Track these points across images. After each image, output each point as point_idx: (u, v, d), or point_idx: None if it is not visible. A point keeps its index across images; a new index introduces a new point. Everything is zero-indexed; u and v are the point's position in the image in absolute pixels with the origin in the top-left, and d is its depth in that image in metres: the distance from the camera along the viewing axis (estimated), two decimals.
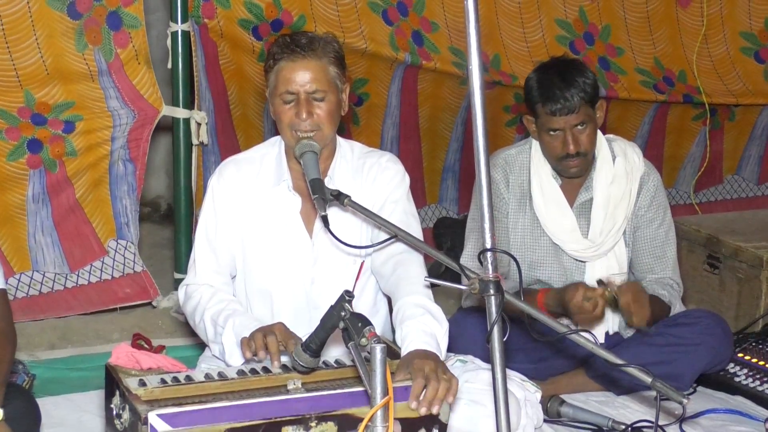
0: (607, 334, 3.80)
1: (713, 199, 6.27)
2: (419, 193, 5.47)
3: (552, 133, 3.72)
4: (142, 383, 2.66)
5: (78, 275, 4.45)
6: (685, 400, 2.71)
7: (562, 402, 3.52)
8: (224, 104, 4.67)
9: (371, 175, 3.32)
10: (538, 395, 3.42)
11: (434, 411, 2.61)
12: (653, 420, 3.15)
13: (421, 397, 2.61)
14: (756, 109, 6.13)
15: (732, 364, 3.99)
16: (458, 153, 5.53)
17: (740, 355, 4.05)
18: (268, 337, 2.90)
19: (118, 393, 2.65)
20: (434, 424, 2.65)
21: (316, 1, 4.80)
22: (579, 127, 3.70)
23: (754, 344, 4.17)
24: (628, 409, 3.62)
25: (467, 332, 3.37)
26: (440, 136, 5.35)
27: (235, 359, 3.04)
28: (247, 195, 3.33)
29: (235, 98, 4.79)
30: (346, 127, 5.05)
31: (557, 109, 3.66)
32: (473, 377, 3.16)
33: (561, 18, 5.50)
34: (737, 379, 3.92)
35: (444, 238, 5.20)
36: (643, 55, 5.71)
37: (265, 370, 2.84)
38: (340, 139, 3.35)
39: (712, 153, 6.12)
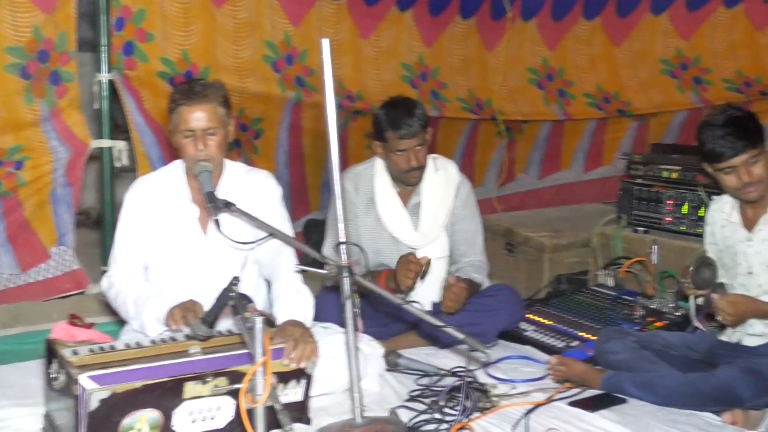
0: (433, 303, 3.87)
1: (509, 192, 6.41)
2: (305, 203, 5.54)
3: (399, 152, 3.80)
4: (75, 352, 2.64)
5: (28, 275, 4.38)
6: (488, 351, 2.80)
7: (399, 356, 3.56)
8: (163, 136, 4.62)
9: (252, 188, 3.36)
10: (381, 351, 3.49)
11: (302, 366, 2.67)
12: (466, 365, 3.28)
13: (291, 356, 2.66)
14: (538, 125, 6.33)
15: (523, 323, 4.07)
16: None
17: (529, 315, 4.14)
18: (185, 311, 2.94)
19: (55, 361, 2.61)
20: (302, 376, 2.70)
21: (219, 54, 4.75)
22: (418, 147, 3.79)
23: (539, 307, 4.28)
24: (448, 359, 3.66)
25: (328, 306, 3.40)
26: (319, 159, 5.37)
27: (154, 330, 3.03)
28: (155, 205, 3.34)
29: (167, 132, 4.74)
30: (249, 156, 5.06)
31: (404, 134, 3.75)
32: (332, 339, 3.21)
33: (405, 62, 5.60)
34: (527, 334, 4.00)
35: (312, 235, 5.21)
36: (461, 88, 5.84)
37: (172, 339, 2.83)
38: (226, 161, 3.37)
39: (508, 159, 6.30)
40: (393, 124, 3.77)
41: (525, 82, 6.18)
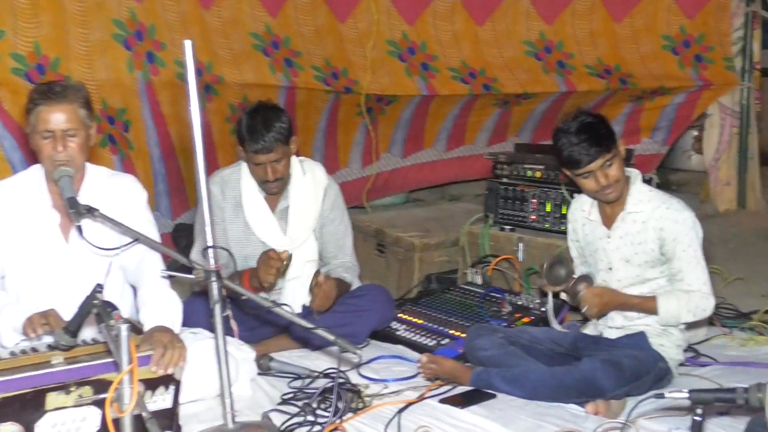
0: (303, 305, 3.87)
1: (374, 172, 6.45)
2: (185, 199, 5.40)
3: (255, 165, 3.77)
4: None
5: None
6: (358, 352, 2.81)
7: (271, 359, 3.55)
8: (26, 139, 4.43)
9: (116, 192, 3.27)
10: (253, 355, 3.47)
11: (169, 372, 2.63)
12: (337, 367, 3.29)
13: (159, 362, 2.62)
14: (402, 104, 6.34)
15: (395, 322, 4.11)
16: None
17: (400, 315, 4.19)
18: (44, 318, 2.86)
19: None
20: (170, 382, 2.66)
21: (71, 42, 4.63)
22: (275, 162, 3.73)
23: (410, 307, 4.33)
24: (320, 361, 3.67)
25: (196, 311, 3.36)
26: (190, 151, 5.28)
27: (10, 340, 2.92)
28: (13, 211, 3.20)
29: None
30: (125, 152, 4.90)
31: (258, 149, 3.69)
32: (202, 344, 3.17)
33: (253, 31, 5.54)
34: (398, 333, 4.04)
35: (181, 239, 5.12)
36: (318, 57, 5.83)
37: (34, 350, 2.74)
38: (88, 165, 3.27)
39: (371, 139, 6.32)
40: (249, 137, 3.70)
41: (385, 54, 6.20)
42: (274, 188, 3.83)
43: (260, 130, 3.68)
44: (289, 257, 3.66)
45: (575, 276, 3.49)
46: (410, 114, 6.41)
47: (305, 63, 5.75)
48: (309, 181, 3.94)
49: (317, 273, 3.75)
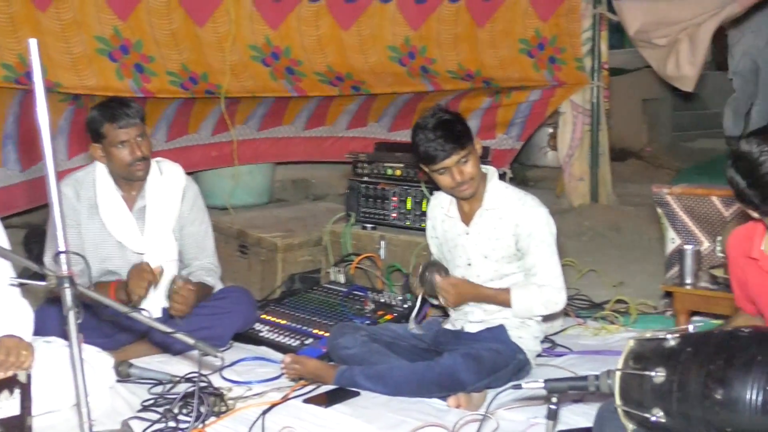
0: (162, 309, 3.80)
1: (224, 140, 6.35)
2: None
3: (121, 145, 3.68)
4: None
5: None
6: (220, 354, 2.79)
7: (131, 365, 3.46)
8: None
9: None
10: (111, 362, 3.38)
11: (9, 374, 2.57)
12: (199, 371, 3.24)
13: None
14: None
15: (258, 324, 4.09)
16: None
17: (263, 316, 4.17)
18: None
19: None
20: (14, 385, 2.61)
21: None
22: (139, 138, 3.68)
23: (273, 308, 4.32)
24: (182, 365, 3.62)
25: (50, 319, 3.26)
26: None
27: None
28: None
29: None
30: None
31: (123, 124, 3.64)
32: (56, 353, 3.07)
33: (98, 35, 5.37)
34: (261, 334, 4.03)
35: (34, 245, 4.94)
36: (174, 62, 5.74)
37: None
38: None
39: (229, 111, 6.24)
40: (110, 117, 3.65)
41: (248, 58, 6.12)
42: (141, 170, 3.74)
43: (120, 107, 3.68)
44: (162, 273, 3.61)
45: (443, 264, 3.56)
46: (273, 98, 6.41)
47: (159, 68, 5.63)
48: (166, 180, 3.88)
49: (176, 278, 3.69)
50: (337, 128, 6.78)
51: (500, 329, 3.50)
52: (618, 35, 7.87)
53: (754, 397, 2.13)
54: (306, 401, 3.28)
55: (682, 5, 6.45)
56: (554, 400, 2.47)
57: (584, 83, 6.81)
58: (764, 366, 2.16)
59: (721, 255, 4.01)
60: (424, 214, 4.35)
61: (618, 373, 2.39)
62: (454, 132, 3.35)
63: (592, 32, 6.75)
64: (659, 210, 4.28)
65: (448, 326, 3.65)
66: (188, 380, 3.38)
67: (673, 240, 4.23)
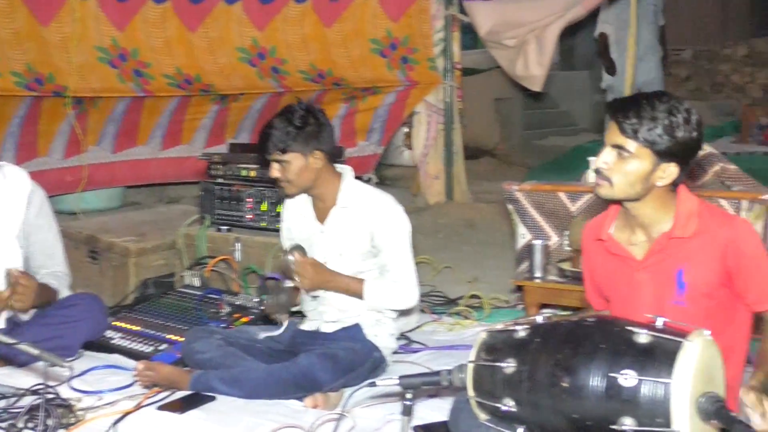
0: (8, 319, 3.64)
1: (78, 164, 6.31)
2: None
3: None
4: None
5: None
6: (67, 364, 2.70)
7: None
8: None
9: None
10: None
11: None
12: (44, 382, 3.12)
13: None
14: (113, 101, 6.28)
15: (110, 331, 3.98)
16: None
17: (115, 323, 4.06)
18: None
19: None
20: None
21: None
22: None
23: (126, 314, 4.21)
24: (29, 378, 3.45)
25: None
26: None
27: None
28: None
29: None
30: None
31: None
32: None
33: None
34: (113, 342, 3.92)
35: None
36: (18, 62, 5.54)
37: None
38: None
39: (80, 130, 6.20)
40: None
41: (95, 59, 6.10)
42: None
43: None
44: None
45: (300, 245, 3.53)
46: (124, 107, 6.26)
47: (2, 69, 5.44)
48: (9, 185, 3.71)
49: (10, 270, 3.51)
50: (194, 146, 6.70)
51: (356, 328, 3.52)
52: (471, 36, 8.04)
53: (597, 383, 2.22)
54: (160, 408, 3.21)
55: (529, 7, 6.66)
56: (409, 395, 2.50)
57: (437, 83, 6.93)
58: (607, 353, 2.25)
59: (568, 249, 4.15)
60: (279, 215, 4.33)
61: (470, 365, 2.45)
62: (285, 132, 3.36)
63: (444, 33, 6.87)
64: (510, 206, 4.40)
65: (303, 327, 3.64)
66: (34, 392, 3.24)
67: (523, 235, 4.36)
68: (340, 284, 3.48)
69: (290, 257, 3.42)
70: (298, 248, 3.49)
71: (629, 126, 2.44)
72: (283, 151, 3.36)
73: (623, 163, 2.47)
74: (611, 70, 7.67)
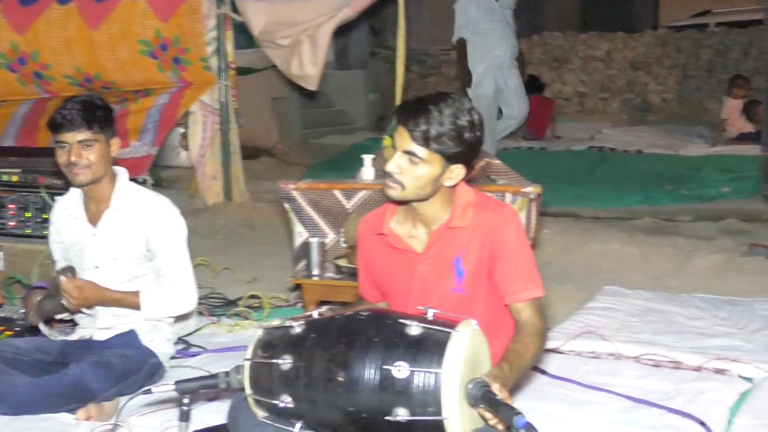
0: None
1: None
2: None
3: None
4: None
5: None
6: None
7: None
8: None
9: None
10: None
11: None
12: None
13: None
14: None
15: None
16: None
17: None
18: None
19: None
20: None
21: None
22: None
23: None
24: None
25: None
26: None
27: None
28: None
29: None
30: None
31: None
32: None
33: None
34: None
35: None
36: None
37: None
38: None
39: None
40: None
41: None
42: None
43: None
44: None
45: (70, 265, 3.39)
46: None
47: None
48: None
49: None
50: None
51: (131, 334, 3.41)
52: (246, 35, 8.03)
53: (372, 376, 2.29)
54: None
55: (300, 8, 6.74)
56: (186, 401, 2.47)
57: (212, 83, 6.87)
58: (381, 346, 2.32)
59: (344, 246, 4.23)
60: (46, 221, 4.14)
61: (247, 364, 2.45)
62: (91, 111, 3.27)
63: (217, 32, 6.81)
64: (287, 205, 4.43)
65: (74, 336, 3.50)
66: None
67: (300, 234, 4.40)
68: (113, 301, 3.37)
69: (62, 277, 3.28)
70: (69, 269, 3.35)
71: (419, 134, 2.54)
72: (92, 130, 3.26)
73: (414, 168, 2.57)
74: (467, 81, 7.65)
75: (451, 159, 2.58)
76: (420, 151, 2.55)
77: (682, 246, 5.66)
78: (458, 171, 2.62)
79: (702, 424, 2.95)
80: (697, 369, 3.47)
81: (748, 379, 3.39)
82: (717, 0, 14.61)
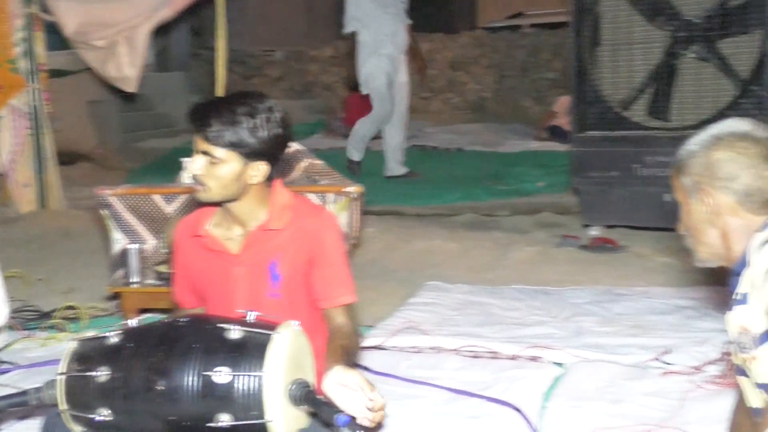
0: None
1: None
2: None
3: None
4: None
5: None
6: None
7: None
8: None
9: None
10: None
11: None
12: None
13: None
14: None
15: None
16: None
17: None
18: None
19: None
20: None
21: None
22: None
23: None
24: None
25: None
26: None
27: None
28: None
29: None
30: None
31: None
32: None
33: None
34: None
35: None
36: None
37: None
38: None
39: None
40: None
41: None
42: None
43: None
44: None
45: None
46: None
47: None
48: None
49: None
50: None
51: None
52: (59, 36, 7.74)
53: (192, 383, 2.25)
54: None
55: (115, 8, 6.55)
56: None
57: (21, 86, 6.57)
58: (201, 352, 2.29)
59: (165, 251, 4.14)
60: None
61: (61, 378, 2.36)
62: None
63: (26, 33, 6.53)
64: (104, 212, 4.30)
65: None
66: None
67: (118, 241, 4.27)
68: None
69: None
70: None
71: (212, 134, 2.50)
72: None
73: (214, 169, 2.53)
74: (356, 75, 7.58)
75: (250, 156, 2.54)
76: (215, 150, 2.51)
77: (500, 240, 5.86)
78: (262, 168, 2.58)
79: (517, 410, 3.07)
80: (513, 358, 3.62)
81: (560, 365, 3.56)
82: (530, 2, 15.20)
